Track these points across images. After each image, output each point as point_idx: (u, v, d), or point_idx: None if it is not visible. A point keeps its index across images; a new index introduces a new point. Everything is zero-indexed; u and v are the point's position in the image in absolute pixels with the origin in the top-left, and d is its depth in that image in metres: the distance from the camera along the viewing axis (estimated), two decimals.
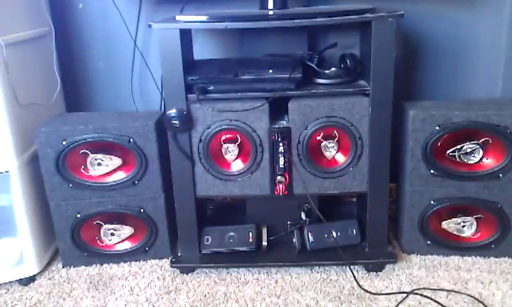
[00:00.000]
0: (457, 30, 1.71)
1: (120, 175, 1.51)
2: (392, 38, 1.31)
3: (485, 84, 1.77)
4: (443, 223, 1.52)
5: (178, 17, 1.38)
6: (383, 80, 1.35)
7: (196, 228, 1.51)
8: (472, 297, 1.36)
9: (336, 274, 1.49)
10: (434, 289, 1.40)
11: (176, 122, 1.38)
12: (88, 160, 1.49)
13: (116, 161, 1.49)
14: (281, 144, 1.41)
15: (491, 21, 1.70)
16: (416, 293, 1.38)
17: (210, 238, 1.53)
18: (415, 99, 1.74)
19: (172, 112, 1.37)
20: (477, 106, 1.44)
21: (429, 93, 1.78)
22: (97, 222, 1.55)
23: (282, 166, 1.43)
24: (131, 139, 1.45)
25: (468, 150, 1.44)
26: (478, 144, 1.43)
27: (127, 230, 1.57)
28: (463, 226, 1.52)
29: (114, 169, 1.51)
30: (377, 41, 1.32)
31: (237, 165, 1.46)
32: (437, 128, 1.41)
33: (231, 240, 1.52)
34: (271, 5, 1.47)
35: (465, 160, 1.45)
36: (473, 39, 1.72)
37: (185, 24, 1.34)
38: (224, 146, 1.44)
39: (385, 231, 1.50)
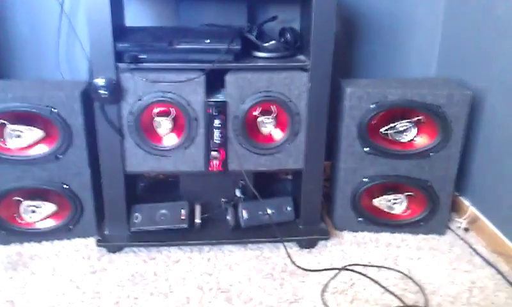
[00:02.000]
0: (395, 8, 1.73)
1: (42, 148, 1.39)
2: (332, 12, 1.29)
3: (421, 64, 1.80)
4: (374, 200, 1.54)
5: None
6: (323, 55, 1.32)
7: (125, 205, 1.44)
8: (401, 272, 1.39)
9: (270, 251, 1.47)
10: (364, 265, 1.42)
11: (105, 92, 1.28)
12: (6, 131, 1.37)
13: (38, 133, 1.38)
14: (217, 118, 1.36)
15: (427, 1, 1.73)
16: (348, 269, 1.40)
17: (139, 216, 1.46)
18: (351, 77, 1.74)
19: (100, 81, 1.28)
20: (412, 85, 1.46)
21: (365, 71, 1.79)
22: (16, 198, 1.44)
23: (217, 141, 1.38)
24: (54, 110, 1.34)
25: (401, 129, 1.46)
26: (411, 122, 1.45)
27: (50, 207, 1.46)
28: (394, 204, 1.55)
29: (36, 142, 1.39)
30: (318, 15, 1.29)
31: (170, 140, 1.39)
32: (372, 106, 1.42)
33: (162, 218, 1.46)
34: None
35: (398, 139, 1.47)
36: (410, 18, 1.75)
37: None
38: (157, 119, 1.37)
39: (319, 208, 1.50)
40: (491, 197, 1.51)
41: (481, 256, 1.45)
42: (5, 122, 1.35)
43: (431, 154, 1.47)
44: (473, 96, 1.43)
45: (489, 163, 1.51)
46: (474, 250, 1.49)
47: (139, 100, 1.33)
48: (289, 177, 1.73)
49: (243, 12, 1.52)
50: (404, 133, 1.47)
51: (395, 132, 1.46)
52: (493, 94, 1.48)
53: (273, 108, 1.38)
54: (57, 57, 1.67)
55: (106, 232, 1.46)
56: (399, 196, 1.54)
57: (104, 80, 1.28)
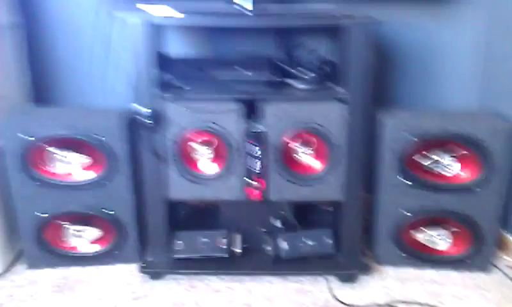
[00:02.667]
0: (434, 40, 1.71)
1: (89, 175, 1.45)
2: (370, 44, 1.30)
3: (461, 95, 1.77)
4: (417, 235, 1.51)
5: (152, 12, 1.34)
6: (361, 87, 1.33)
7: (167, 232, 1.47)
8: None
9: (311, 284, 1.45)
10: (408, 302, 1.38)
11: (150, 121, 1.33)
12: (55, 157, 1.43)
13: (85, 160, 1.44)
14: (257, 148, 1.38)
15: (468, 32, 1.70)
16: (391, 306, 1.36)
17: (181, 244, 1.48)
18: (390, 108, 1.72)
19: (146, 111, 1.33)
20: (454, 117, 1.44)
21: (404, 102, 1.76)
22: (64, 223, 1.50)
23: (257, 171, 1.40)
24: (102, 138, 1.40)
25: (445, 162, 1.43)
26: (454, 156, 1.42)
27: (95, 232, 1.51)
28: (438, 239, 1.50)
29: (83, 168, 1.45)
30: (356, 47, 1.30)
31: (211, 168, 1.42)
32: (414, 138, 1.40)
33: (203, 246, 1.48)
34: (249, 6, 1.44)
35: (441, 172, 1.44)
36: (450, 49, 1.72)
37: (161, 19, 1.30)
38: (199, 148, 1.40)
39: (359, 241, 1.47)
40: None
41: None
42: (55, 149, 1.42)
43: (475, 189, 1.42)
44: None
45: None
46: None
47: (182, 129, 1.37)
48: (329, 208, 1.71)
49: (282, 44, 1.54)
50: (447, 167, 1.44)
51: (437, 165, 1.43)
52: None
53: (312, 139, 1.39)
54: (103, 86, 1.74)
55: (149, 258, 1.49)
56: (443, 231, 1.49)
57: (149, 109, 1.33)
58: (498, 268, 1.52)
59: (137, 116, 1.34)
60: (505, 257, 1.55)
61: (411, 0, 1.66)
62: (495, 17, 1.64)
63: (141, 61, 1.31)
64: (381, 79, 1.74)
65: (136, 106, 1.33)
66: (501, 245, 1.58)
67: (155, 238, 1.47)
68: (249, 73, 1.34)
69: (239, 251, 1.47)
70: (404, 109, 1.66)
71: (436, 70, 1.75)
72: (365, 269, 1.46)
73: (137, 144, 1.39)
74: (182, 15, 1.29)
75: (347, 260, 1.47)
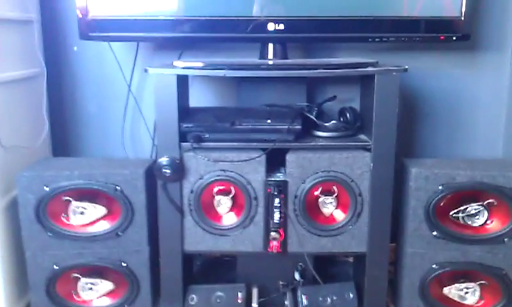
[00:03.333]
0: (458, 87, 1.69)
1: (103, 225, 1.41)
2: (395, 92, 1.28)
3: (485, 143, 1.73)
4: (444, 289, 1.43)
5: (175, 63, 1.34)
6: (385, 135, 1.30)
7: (182, 285, 1.41)
8: None
9: None
10: None
11: (168, 171, 1.30)
12: (71, 208, 1.39)
13: (101, 210, 1.40)
14: (277, 198, 1.34)
15: (492, 80, 1.69)
16: None
17: (195, 298, 1.42)
18: (414, 156, 1.69)
19: (164, 160, 1.30)
20: (481, 166, 1.39)
21: (429, 151, 1.73)
22: (75, 275, 1.44)
23: (277, 222, 1.35)
24: (118, 187, 1.37)
25: (473, 212, 1.38)
26: (482, 205, 1.37)
27: (107, 285, 1.45)
28: (466, 293, 1.43)
29: (98, 219, 1.41)
30: (381, 95, 1.28)
31: (230, 219, 1.38)
32: (440, 187, 1.35)
33: (218, 301, 1.41)
34: (270, 55, 1.44)
35: (469, 223, 1.39)
36: (473, 97, 1.70)
37: (183, 70, 1.29)
38: (217, 198, 1.36)
39: (384, 296, 1.41)
40: None
41: None
42: (70, 199, 1.38)
43: (505, 240, 1.36)
44: None
45: None
46: None
47: (201, 178, 1.34)
48: (350, 260, 1.65)
49: (303, 92, 1.53)
50: (475, 217, 1.38)
51: (465, 216, 1.38)
52: None
53: (334, 188, 1.35)
54: (122, 135, 1.73)
55: None
56: (472, 284, 1.42)
57: (167, 159, 1.30)
58: None
59: (156, 166, 1.31)
60: None
61: (436, 48, 1.65)
62: None
63: (164, 111, 1.29)
64: (405, 127, 1.71)
65: (155, 156, 1.31)
66: None
67: (169, 291, 1.42)
68: (269, 121, 1.31)
69: (255, 306, 1.40)
70: (429, 157, 1.62)
71: (461, 118, 1.72)
72: None
73: (154, 194, 1.36)
74: (202, 64, 1.29)
75: None
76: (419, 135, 1.73)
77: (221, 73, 1.26)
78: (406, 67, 1.28)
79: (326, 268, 1.54)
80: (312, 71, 1.29)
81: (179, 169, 1.31)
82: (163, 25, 1.41)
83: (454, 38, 1.43)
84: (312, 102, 1.52)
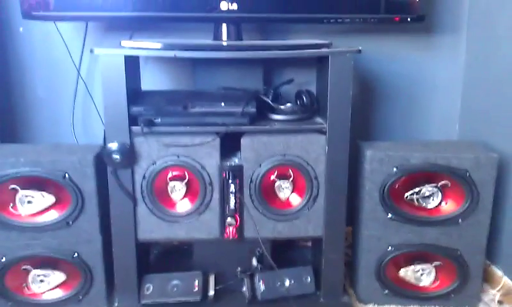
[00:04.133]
0: (414, 70, 1.70)
1: (53, 215, 1.35)
2: (349, 74, 1.26)
3: (442, 126, 1.75)
4: (400, 271, 1.44)
5: (123, 43, 1.28)
6: (340, 117, 1.28)
7: (136, 275, 1.37)
8: None
9: None
10: None
11: (117, 156, 1.25)
12: (17, 197, 1.33)
13: (49, 199, 1.34)
14: (232, 183, 1.31)
15: (447, 62, 1.70)
16: None
17: (151, 287, 1.38)
18: (370, 139, 1.69)
19: (113, 145, 1.25)
20: (436, 148, 1.40)
21: (385, 133, 1.74)
22: (25, 267, 1.38)
23: (233, 207, 1.32)
24: (66, 175, 1.31)
25: (427, 193, 1.38)
26: (437, 187, 1.38)
27: (59, 277, 1.40)
28: (422, 274, 1.45)
29: (47, 208, 1.35)
30: (335, 77, 1.26)
31: (184, 206, 1.34)
32: (395, 169, 1.35)
33: (174, 289, 1.38)
34: (224, 36, 1.40)
35: (424, 204, 1.39)
36: (429, 79, 1.71)
37: (131, 51, 1.24)
38: (171, 184, 1.32)
39: (341, 279, 1.41)
40: None
41: None
42: (17, 187, 1.32)
43: (459, 221, 1.38)
44: (500, 159, 1.36)
45: None
46: None
47: (153, 164, 1.29)
48: (308, 244, 1.64)
49: (259, 75, 1.50)
50: (430, 199, 1.39)
51: (420, 198, 1.39)
52: None
53: (290, 172, 1.33)
54: (72, 121, 1.66)
55: (116, 304, 1.38)
56: (427, 266, 1.44)
57: (117, 144, 1.25)
58: (485, 302, 1.47)
59: (105, 151, 1.26)
60: (491, 291, 1.50)
61: (393, 31, 1.64)
62: (474, 48, 1.64)
63: (112, 94, 1.24)
64: (362, 111, 1.71)
65: (104, 141, 1.26)
66: (487, 278, 1.54)
67: (123, 281, 1.37)
68: (223, 104, 1.28)
69: (212, 293, 1.38)
70: (385, 140, 1.62)
71: (417, 100, 1.73)
72: None
73: (105, 181, 1.31)
74: (152, 45, 1.24)
75: (328, 299, 1.40)
76: (376, 118, 1.73)
77: (170, 53, 1.22)
78: (360, 48, 1.26)
79: (285, 252, 1.53)
80: (265, 52, 1.26)
81: (129, 155, 1.26)
82: (112, 4, 1.34)
83: (409, 19, 1.43)
84: (268, 85, 1.49)
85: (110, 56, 1.22)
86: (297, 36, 1.62)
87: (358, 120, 1.66)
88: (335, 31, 1.60)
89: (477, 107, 1.63)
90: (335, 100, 1.28)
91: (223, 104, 1.28)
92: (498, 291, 1.48)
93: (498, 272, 1.52)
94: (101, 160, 1.31)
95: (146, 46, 1.24)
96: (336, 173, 1.32)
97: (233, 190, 1.31)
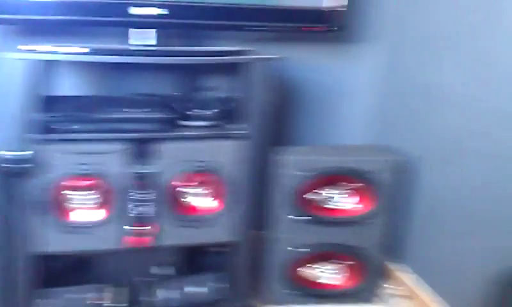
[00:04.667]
0: (329, 79, 1.73)
1: None
2: (268, 81, 1.27)
3: (356, 132, 1.80)
4: (308, 271, 1.49)
5: (21, 47, 1.18)
6: (258, 124, 1.29)
7: (28, 290, 1.26)
8: None
9: None
10: None
11: (13, 165, 1.15)
12: None
13: None
14: (143, 190, 1.26)
15: (364, 72, 1.76)
16: None
17: (43, 303, 1.29)
18: (291, 145, 1.70)
19: (7, 153, 1.15)
20: (344, 152, 1.46)
21: (303, 140, 1.76)
22: None
23: (145, 216, 1.28)
24: None
25: (334, 196, 1.44)
26: (344, 189, 1.44)
27: None
28: (329, 274, 1.51)
29: None
30: (254, 83, 1.26)
31: (91, 216, 1.26)
32: (304, 173, 1.39)
33: (70, 304, 1.30)
34: (137, 41, 1.34)
35: (334, 206, 1.45)
36: (343, 87, 1.76)
37: (33, 55, 1.14)
38: (73, 193, 1.24)
39: (250, 282, 1.42)
40: (429, 263, 1.51)
41: None
42: None
43: (366, 221, 1.45)
44: (404, 162, 1.45)
45: (424, 229, 1.52)
46: None
47: (54, 172, 1.20)
48: (223, 250, 1.64)
49: (177, 81, 1.46)
50: (338, 201, 1.45)
51: (327, 200, 1.44)
52: (424, 161, 1.50)
53: (205, 178, 1.31)
54: None
55: None
56: (333, 265, 1.50)
57: (12, 151, 1.15)
58: (389, 299, 1.56)
59: (2, 161, 1.15)
60: (395, 287, 1.59)
61: (317, 39, 1.66)
62: (391, 57, 1.71)
63: (10, 99, 1.13)
64: (282, 117, 1.71)
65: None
66: (392, 275, 1.64)
67: (12, 298, 1.26)
68: (136, 110, 1.23)
69: (115, 305, 1.32)
70: (301, 146, 1.64)
71: (336, 107, 1.77)
72: None
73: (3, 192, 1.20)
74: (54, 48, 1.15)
75: (237, 304, 1.40)
76: (294, 125, 1.75)
77: (77, 58, 1.14)
78: (279, 56, 1.27)
79: (197, 260, 1.51)
80: (178, 58, 1.23)
81: (28, 163, 1.16)
82: (22, 6, 1.23)
83: (330, 30, 1.45)
84: (186, 92, 1.46)
85: (8, 60, 1.11)
86: (221, 43, 1.58)
87: (279, 127, 1.68)
88: (260, 39, 1.58)
89: (389, 113, 1.72)
90: (254, 107, 1.28)
91: (134, 110, 1.22)
92: (402, 288, 1.58)
93: (403, 270, 1.63)
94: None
95: (45, 49, 1.16)
96: (252, 178, 1.32)
97: (144, 198, 1.27)
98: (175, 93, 1.40)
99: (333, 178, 1.43)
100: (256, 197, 1.34)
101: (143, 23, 1.31)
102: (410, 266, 1.61)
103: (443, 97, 1.43)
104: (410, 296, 1.56)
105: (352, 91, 1.77)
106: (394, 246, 1.58)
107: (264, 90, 1.27)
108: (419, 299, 1.52)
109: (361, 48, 1.73)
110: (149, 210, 1.27)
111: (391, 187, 1.44)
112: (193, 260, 1.49)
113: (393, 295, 1.57)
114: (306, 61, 1.68)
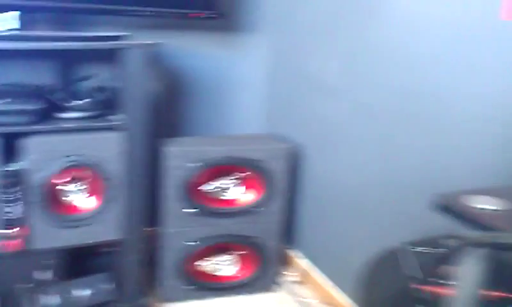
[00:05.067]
0: (222, 67, 1.70)
1: None
2: (147, 68, 1.21)
3: (249, 122, 1.79)
4: (203, 265, 1.46)
5: None
6: (138, 114, 1.23)
7: None
8: None
9: None
10: None
11: None
12: None
13: None
14: (14, 189, 1.15)
15: (254, 61, 1.74)
16: None
17: None
18: (179, 136, 1.65)
19: None
20: (234, 142, 1.45)
21: (194, 131, 1.70)
22: None
23: (15, 217, 1.17)
24: None
25: (226, 186, 1.42)
26: (236, 179, 1.42)
27: None
28: (224, 266, 1.49)
29: None
30: (131, 71, 1.19)
31: None
32: (195, 165, 1.35)
33: None
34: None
35: (225, 197, 1.43)
36: (236, 77, 1.73)
37: None
38: None
39: (141, 281, 1.36)
40: (320, 248, 1.53)
41: None
42: None
43: (257, 210, 1.44)
44: (293, 150, 1.46)
45: (316, 215, 1.54)
46: (305, 304, 1.48)
47: None
48: (111, 249, 1.56)
49: (54, 71, 1.35)
50: (229, 191, 1.43)
51: (219, 191, 1.42)
52: (313, 148, 1.52)
53: (83, 173, 1.23)
54: None
55: None
56: (229, 256, 1.48)
57: None
58: (284, 285, 1.56)
59: None
60: (290, 273, 1.60)
61: (199, 27, 1.62)
62: (277, 47, 1.70)
63: None
64: (171, 108, 1.65)
65: None
66: (288, 262, 1.65)
67: None
68: (5, 101, 1.12)
69: None
70: (189, 137, 1.59)
71: (226, 97, 1.74)
72: None
73: None
74: None
75: (129, 304, 1.34)
76: (185, 116, 1.70)
77: None
78: (158, 42, 1.22)
79: (82, 261, 1.42)
80: (43, 43, 1.13)
81: None
82: None
83: (210, 16, 1.42)
84: (64, 82, 1.36)
85: None
86: (100, 29, 1.49)
87: (166, 118, 1.62)
88: (142, 26, 1.49)
89: (279, 103, 1.72)
90: (133, 96, 1.21)
91: (4, 102, 1.12)
92: (297, 273, 1.59)
93: (297, 255, 1.64)
94: None
95: None
96: (134, 172, 1.26)
97: (16, 198, 1.16)
98: (49, 83, 1.29)
99: (224, 169, 1.41)
100: (140, 191, 1.28)
101: (5, 6, 1.20)
102: (302, 251, 1.63)
103: (322, 87, 1.45)
104: (303, 281, 1.58)
105: (242, 81, 1.75)
106: (287, 233, 1.59)
107: (144, 78, 1.21)
108: (312, 283, 1.54)
109: (248, 38, 1.72)
110: (17, 210, 1.16)
111: (281, 175, 1.44)
112: (82, 262, 1.40)
113: (288, 282, 1.58)
114: (195, 50, 1.64)
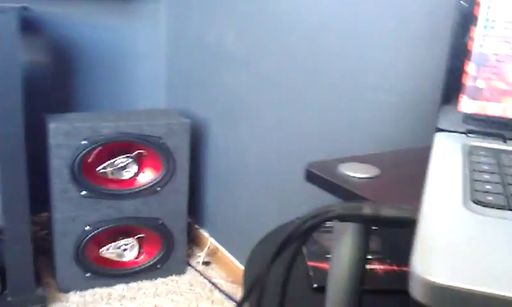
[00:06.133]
0: (116, 39, 1.57)
1: None
2: (14, 35, 1.06)
3: (148, 96, 1.67)
4: (102, 250, 1.35)
5: None
6: (8, 85, 1.08)
7: None
8: None
9: None
10: None
11: None
12: None
13: None
14: None
15: (150, 32, 1.62)
16: None
17: None
18: (70, 112, 1.52)
19: None
20: (129, 117, 1.33)
21: (87, 105, 1.57)
22: None
23: None
24: None
25: (121, 165, 1.31)
26: (131, 157, 1.31)
27: None
28: (125, 250, 1.38)
29: None
30: None
31: None
32: (84, 142, 1.23)
33: None
34: None
35: (120, 177, 1.32)
36: (132, 49, 1.61)
37: None
38: None
39: (31, 272, 1.23)
40: (227, 226, 1.46)
41: (221, 290, 1.38)
42: None
43: (157, 189, 1.35)
44: (194, 125, 1.37)
45: (221, 192, 1.47)
46: (214, 285, 1.41)
47: None
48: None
49: None
50: (125, 170, 1.32)
51: (114, 170, 1.30)
52: (215, 122, 1.44)
53: None
54: None
55: None
56: (129, 240, 1.37)
57: None
58: (192, 266, 1.49)
59: None
60: (198, 254, 1.53)
61: None
62: (176, 16, 1.59)
63: None
64: (59, 81, 1.50)
65: None
66: (196, 241, 1.57)
67: None
68: None
69: None
70: (78, 113, 1.46)
71: (121, 70, 1.60)
72: (41, 302, 1.23)
73: None
74: None
75: (18, 297, 1.21)
76: (77, 91, 1.55)
77: None
78: (25, 5, 1.07)
79: None
80: None
81: None
82: None
83: None
84: None
85: None
86: None
87: (51, 92, 1.47)
88: None
89: (179, 76, 1.61)
90: (2, 68, 1.07)
91: None
92: (205, 253, 1.51)
93: (205, 234, 1.56)
94: None
95: None
96: (11, 153, 1.12)
97: None
98: None
99: (120, 147, 1.29)
100: (21, 173, 1.14)
101: None
102: (209, 231, 1.55)
103: (222, 57, 1.36)
104: (211, 261, 1.51)
105: (139, 52, 1.63)
106: (195, 212, 1.51)
107: (9, 46, 1.06)
108: (220, 263, 1.48)
109: (145, 6, 1.60)
110: None
111: (182, 152, 1.34)
112: None
113: (197, 263, 1.50)
114: (87, 19, 1.51)
